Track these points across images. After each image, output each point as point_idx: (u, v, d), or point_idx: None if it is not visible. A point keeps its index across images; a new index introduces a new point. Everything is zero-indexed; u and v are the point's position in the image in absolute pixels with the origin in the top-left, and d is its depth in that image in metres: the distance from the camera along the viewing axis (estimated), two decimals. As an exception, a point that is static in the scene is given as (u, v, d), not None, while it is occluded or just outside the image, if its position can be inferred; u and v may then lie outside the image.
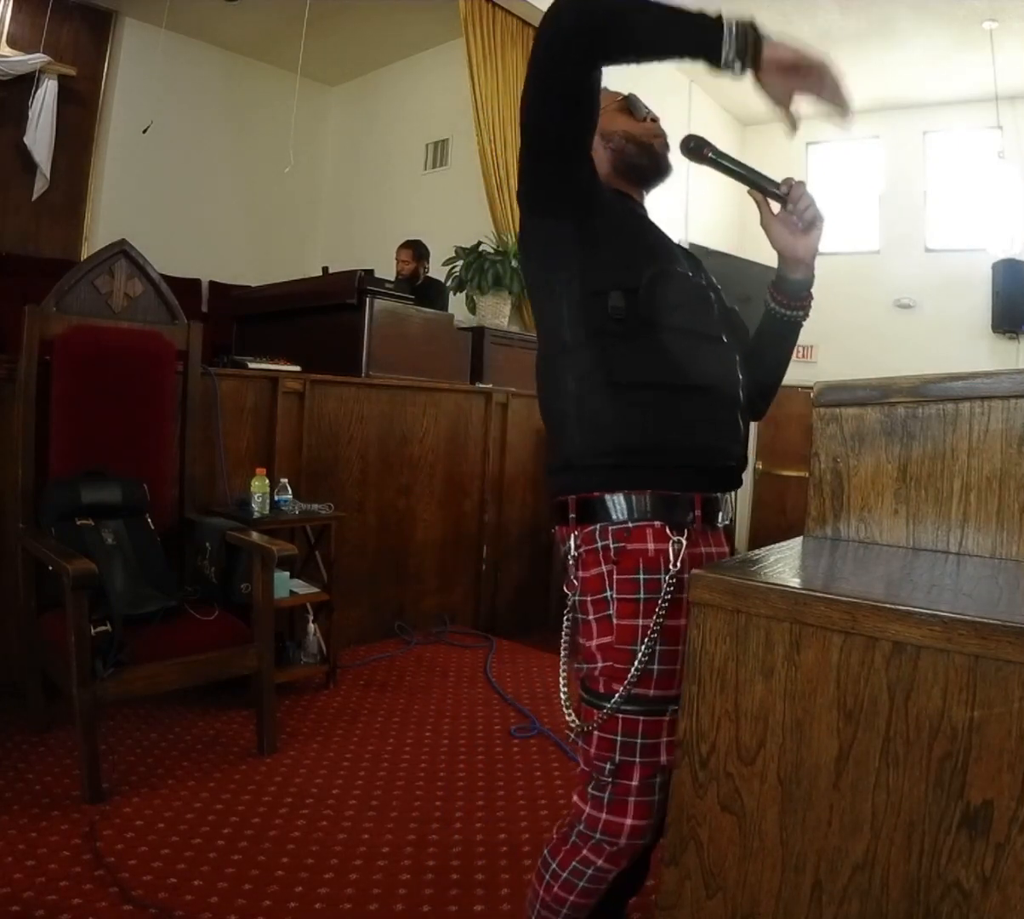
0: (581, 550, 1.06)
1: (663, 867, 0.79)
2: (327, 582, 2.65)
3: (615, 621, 1.01)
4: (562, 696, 1.09)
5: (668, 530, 1.02)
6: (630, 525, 1.03)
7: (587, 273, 1.05)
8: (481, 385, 3.83)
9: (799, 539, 0.95)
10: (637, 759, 1.01)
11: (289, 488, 2.62)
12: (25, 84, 4.59)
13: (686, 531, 1.04)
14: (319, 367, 3.02)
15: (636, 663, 0.99)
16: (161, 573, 2.09)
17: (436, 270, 4.61)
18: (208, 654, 1.99)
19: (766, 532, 6.36)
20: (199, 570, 2.25)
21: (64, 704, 1.88)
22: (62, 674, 1.83)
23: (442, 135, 5.70)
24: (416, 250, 4.49)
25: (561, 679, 1.10)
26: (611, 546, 1.03)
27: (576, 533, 1.07)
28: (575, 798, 1.08)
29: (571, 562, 1.07)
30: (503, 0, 4.46)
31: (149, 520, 2.16)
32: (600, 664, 1.02)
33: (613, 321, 1.03)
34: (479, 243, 4.50)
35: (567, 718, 1.05)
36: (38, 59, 4.57)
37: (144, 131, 4.77)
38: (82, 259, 3.92)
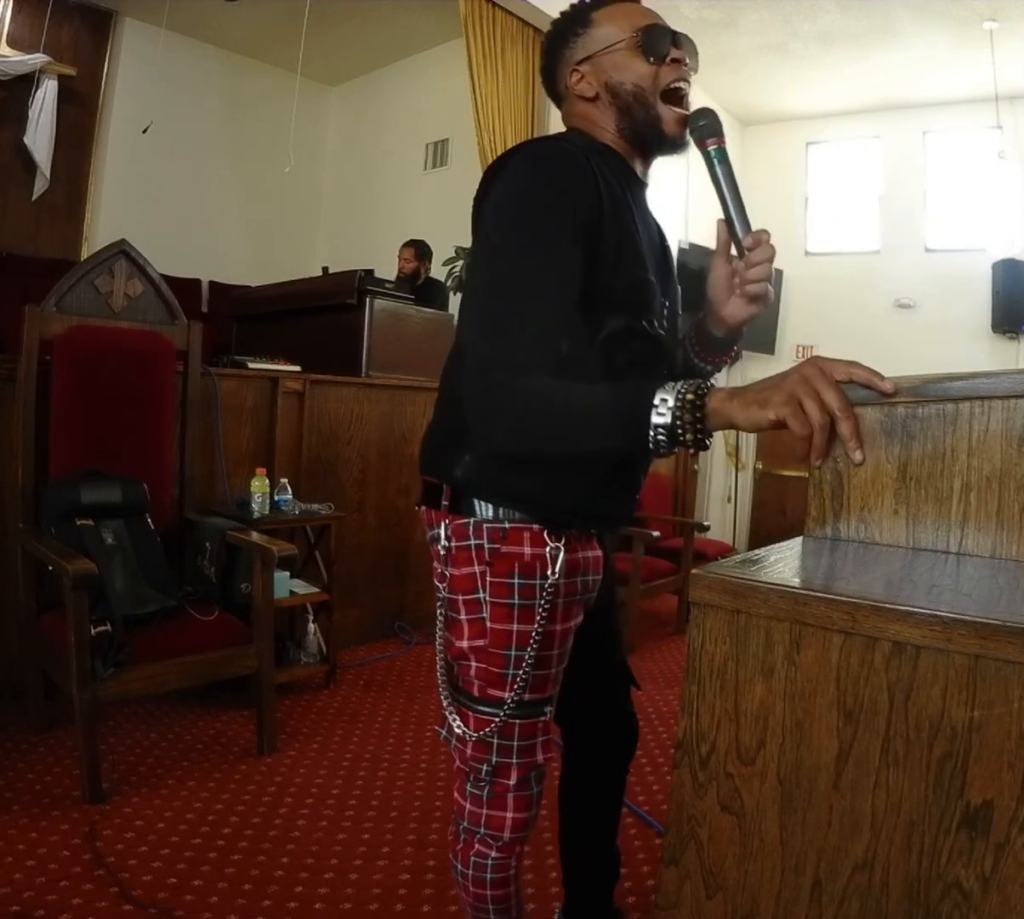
0: (453, 544, 1.00)
1: (663, 867, 0.79)
2: (327, 582, 2.65)
3: (489, 624, 0.98)
4: (442, 697, 1.05)
5: (546, 535, 0.98)
6: (507, 526, 0.97)
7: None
8: (481, 385, 3.84)
9: (799, 539, 0.95)
10: (514, 760, 1.01)
11: (289, 488, 2.62)
12: (25, 84, 4.59)
13: (564, 537, 0.99)
14: (319, 367, 3.02)
15: (512, 668, 0.97)
16: (161, 573, 2.09)
17: (436, 270, 4.61)
18: (208, 654, 1.99)
19: (766, 532, 6.36)
20: (199, 570, 2.25)
21: (64, 704, 1.88)
22: (62, 674, 1.83)
23: (442, 135, 5.70)
24: (419, 249, 4.49)
25: (439, 677, 1.06)
26: (485, 546, 0.98)
27: (447, 523, 1.00)
28: (455, 795, 1.08)
29: (441, 552, 1.01)
30: (503, 0, 4.46)
31: (149, 520, 2.16)
32: (474, 666, 1.00)
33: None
34: (479, 243, 4.50)
35: (450, 720, 1.03)
36: (38, 59, 4.57)
37: (144, 131, 4.77)
38: (82, 259, 3.92)
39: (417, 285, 4.29)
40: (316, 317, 3.45)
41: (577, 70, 1.02)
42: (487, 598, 0.98)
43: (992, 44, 4.69)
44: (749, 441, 6.72)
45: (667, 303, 1.08)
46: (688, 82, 1.00)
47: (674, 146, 1.01)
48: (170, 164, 5.30)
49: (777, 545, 0.91)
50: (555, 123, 5.10)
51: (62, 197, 4.92)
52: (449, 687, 1.05)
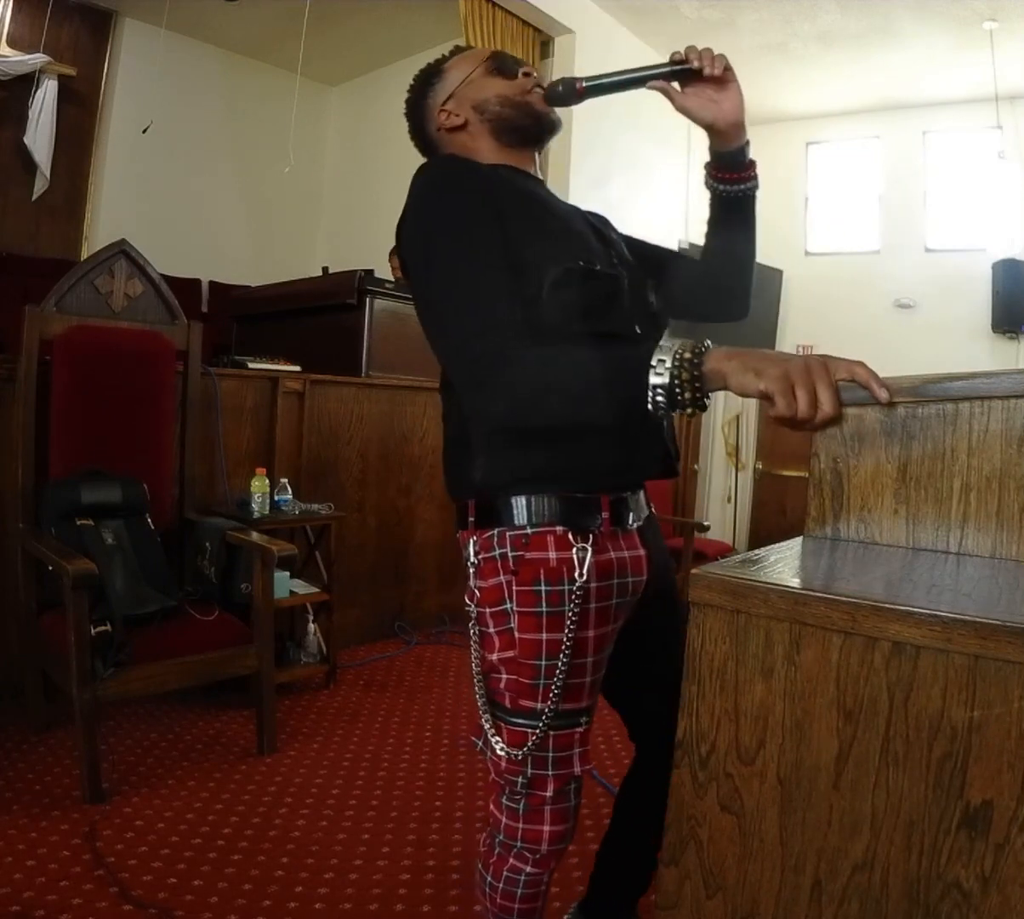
0: (480, 558, 1.00)
1: (663, 867, 0.80)
2: (327, 582, 2.65)
3: (517, 635, 0.97)
4: (480, 711, 1.02)
5: (571, 536, 0.96)
6: (529, 532, 0.96)
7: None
8: (481, 385, 3.84)
9: (799, 539, 0.95)
10: (550, 772, 0.99)
11: (289, 488, 2.62)
12: (25, 84, 4.59)
13: (592, 536, 0.97)
14: (319, 367, 3.02)
15: (543, 678, 0.96)
16: (161, 573, 2.09)
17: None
18: (208, 654, 1.99)
19: (766, 532, 6.36)
20: (199, 570, 2.25)
21: (64, 704, 1.88)
22: (62, 674, 1.83)
23: (442, 135, 5.69)
24: None
25: (476, 693, 1.03)
26: (509, 554, 0.97)
27: (475, 538, 1.01)
28: (491, 807, 1.06)
29: (470, 569, 1.01)
30: (503, 0, 4.46)
31: (149, 520, 2.16)
32: (504, 678, 0.99)
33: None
34: (479, 243, 4.50)
35: (488, 733, 1.01)
36: (38, 59, 4.56)
37: (144, 131, 4.77)
38: (82, 259, 3.91)
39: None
40: (316, 317, 3.45)
41: (444, 110, 1.12)
42: (514, 608, 0.97)
43: (992, 44, 4.69)
44: (749, 441, 6.72)
45: (614, 255, 1.10)
46: (542, 86, 1.10)
47: (551, 123, 1.11)
48: (170, 164, 5.30)
49: (777, 545, 0.91)
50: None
51: (62, 197, 4.91)
52: (485, 701, 1.02)
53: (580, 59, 4.78)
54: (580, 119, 4.81)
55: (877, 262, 6.06)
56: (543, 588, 0.95)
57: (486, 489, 0.99)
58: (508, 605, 0.97)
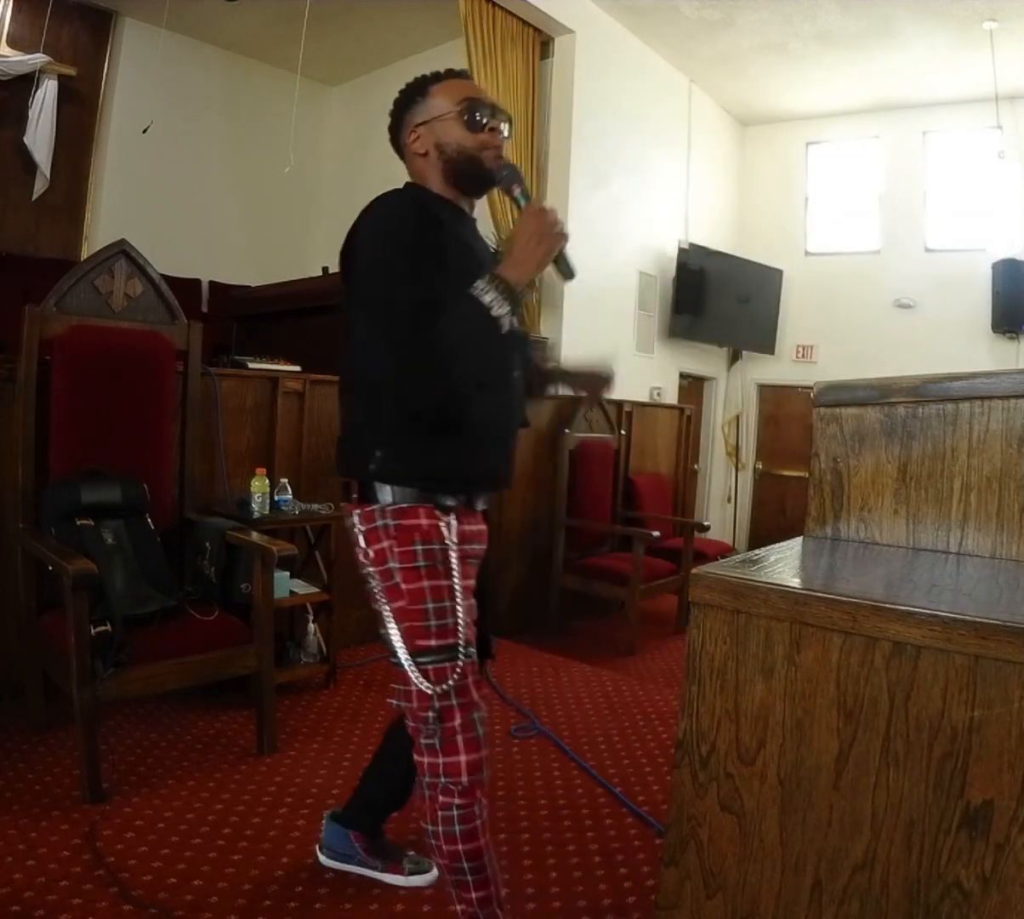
0: (364, 527, 1.23)
1: (663, 867, 0.79)
2: (327, 582, 2.65)
3: (403, 587, 1.18)
4: (398, 648, 1.20)
5: (437, 512, 1.20)
6: (404, 506, 1.20)
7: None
8: (481, 385, 3.83)
9: (799, 539, 0.95)
10: (453, 701, 1.17)
11: (289, 488, 2.62)
12: (25, 84, 4.58)
13: (452, 512, 1.21)
14: (319, 367, 3.01)
15: (431, 620, 1.16)
16: (161, 573, 2.09)
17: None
18: (208, 654, 1.99)
19: (766, 532, 6.37)
20: (199, 570, 2.25)
21: (64, 704, 1.88)
22: (62, 674, 1.83)
23: (442, 135, 5.69)
24: None
25: (393, 638, 1.22)
26: (389, 524, 1.20)
27: (359, 512, 1.24)
28: (416, 757, 1.20)
29: (357, 537, 1.24)
30: (503, 0, 4.46)
31: (149, 520, 2.16)
32: (401, 625, 1.18)
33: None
34: (479, 243, 4.49)
35: (419, 684, 1.17)
36: (38, 59, 4.56)
37: (144, 131, 4.77)
38: (82, 259, 3.91)
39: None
40: (316, 317, 3.45)
41: (415, 131, 1.28)
42: (397, 566, 1.19)
43: (992, 44, 4.69)
44: (749, 441, 6.72)
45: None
46: (500, 144, 1.26)
47: (490, 178, 1.26)
48: (170, 164, 5.30)
49: (777, 545, 0.91)
50: (555, 122, 5.11)
51: (62, 197, 4.91)
52: (391, 650, 1.20)
53: (580, 59, 4.78)
54: (581, 119, 4.82)
55: (877, 262, 6.06)
56: (419, 547, 1.18)
57: (379, 476, 1.21)
58: (392, 564, 1.19)
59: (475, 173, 1.25)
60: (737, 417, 6.67)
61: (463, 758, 1.16)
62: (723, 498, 6.71)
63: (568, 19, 4.71)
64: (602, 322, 5.13)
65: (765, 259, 6.23)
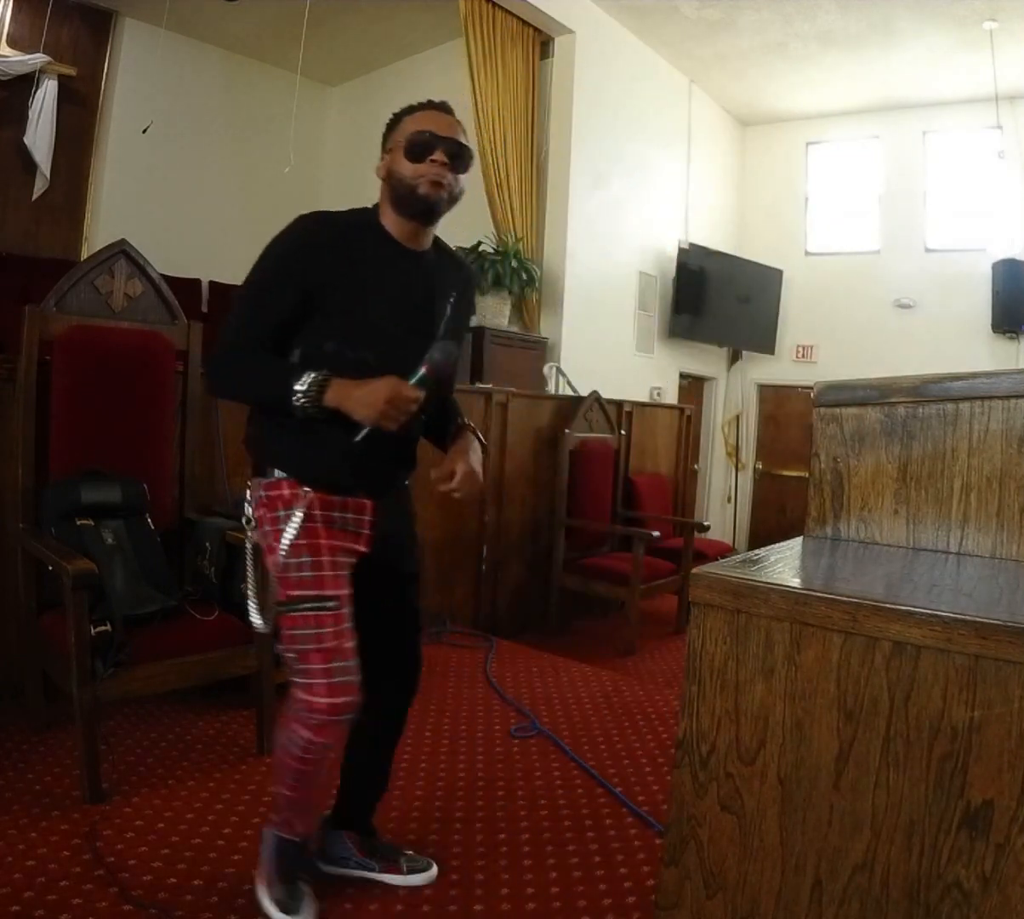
0: (251, 497, 1.42)
1: (663, 867, 0.80)
2: (327, 582, 2.65)
3: (273, 544, 1.35)
4: (251, 610, 1.44)
5: (298, 485, 1.36)
6: (272, 480, 1.38)
7: (306, 336, 1.35)
8: (481, 385, 3.83)
9: (799, 539, 0.95)
10: (312, 646, 1.30)
11: (289, 488, 2.62)
12: (25, 84, 4.59)
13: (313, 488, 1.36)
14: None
15: (295, 572, 1.32)
16: (161, 573, 2.09)
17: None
18: (208, 654, 1.99)
19: (766, 532, 6.37)
20: (199, 570, 2.25)
21: (64, 704, 1.88)
22: (62, 674, 1.83)
23: (442, 135, 5.69)
24: None
25: (249, 601, 1.45)
26: (262, 494, 1.39)
27: (250, 482, 1.44)
28: (292, 687, 1.33)
29: (247, 507, 1.43)
30: (503, 0, 4.46)
31: (149, 520, 2.16)
32: (276, 578, 1.35)
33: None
34: (479, 243, 4.49)
35: (255, 622, 1.43)
36: (38, 59, 4.56)
37: (144, 131, 4.77)
38: (82, 259, 3.91)
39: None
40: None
41: (382, 157, 1.39)
42: (269, 529, 1.37)
43: (992, 44, 4.69)
44: (749, 441, 6.72)
45: (412, 342, 1.38)
46: (444, 176, 1.32)
47: (427, 209, 1.34)
48: (170, 164, 5.30)
49: (777, 545, 0.91)
50: (555, 122, 5.11)
51: (62, 197, 4.91)
52: (274, 600, 1.37)
53: (580, 59, 4.79)
54: (581, 119, 4.82)
55: (877, 262, 6.06)
56: (282, 512, 1.35)
57: (253, 456, 1.45)
58: (267, 527, 1.37)
59: (410, 200, 1.33)
60: (737, 417, 6.67)
61: (323, 700, 1.28)
62: (723, 498, 6.71)
63: (568, 19, 4.71)
64: (602, 322, 5.13)
65: (765, 259, 6.23)
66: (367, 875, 1.58)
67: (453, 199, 1.36)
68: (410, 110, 1.39)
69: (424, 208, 1.34)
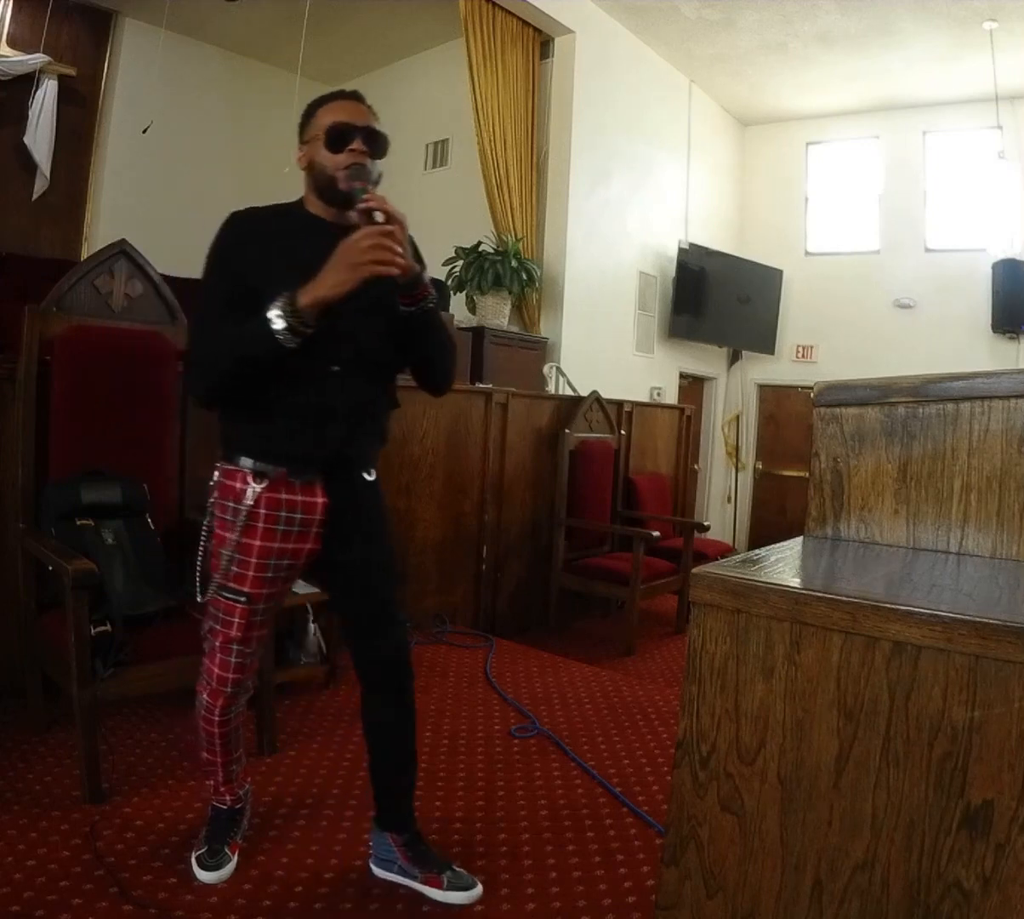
0: (212, 480, 1.48)
1: (663, 867, 0.79)
2: (327, 582, 2.65)
3: (217, 531, 1.46)
4: (196, 582, 1.50)
5: (251, 477, 1.41)
6: (230, 468, 1.44)
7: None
8: (481, 385, 3.83)
9: (799, 539, 0.95)
10: (219, 627, 1.47)
11: (289, 488, 2.62)
12: (25, 84, 4.59)
13: (266, 480, 1.41)
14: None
15: (225, 562, 1.43)
16: (161, 573, 2.08)
17: (435, 270, 4.61)
18: (208, 654, 1.99)
19: (766, 532, 6.37)
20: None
21: (64, 704, 1.88)
22: (62, 674, 1.83)
23: (442, 135, 5.70)
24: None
25: (197, 571, 1.50)
26: (218, 480, 1.45)
27: (216, 466, 1.49)
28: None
29: (210, 485, 1.49)
30: (503, 0, 4.46)
31: (149, 520, 2.16)
32: (211, 560, 1.48)
33: None
34: (479, 243, 4.50)
35: (193, 590, 1.51)
36: (38, 59, 4.56)
37: (144, 131, 4.77)
38: (82, 259, 3.91)
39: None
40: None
41: (301, 147, 1.48)
42: (217, 513, 1.45)
43: (992, 44, 4.70)
44: (749, 441, 6.72)
45: (348, 309, 1.38)
46: (360, 161, 1.38)
47: (347, 199, 1.37)
48: (170, 164, 5.30)
49: (777, 545, 0.91)
50: (555, 122, 5.11)
51: (62, 197, 4.91)
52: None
53: (580, 59, 4.79)
54: (581, 119, 4.82)
55: (877, 262, 6.07)
56: (229, 504, 1.43)
57: (221, 442, 1.48)
58: (214, 512, 1.46)
59: (332, 192, 1.40)
60: (737, 417, 6.67)
61: (216, 670, 1.49)
62: (723, 498, 6.71)
63: (568, 19, 4.71)
64: (602, 322, 5.14)
65: (765, 259, 6.23)
66: (408, 883, 1.56)
67: (375, 185, 1.39)
68: (322, 101, 1.48)
69: (344, 197, 1.39)
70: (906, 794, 0.64)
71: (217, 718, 1.53)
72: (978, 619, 0.60)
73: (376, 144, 1.43)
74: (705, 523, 4.32)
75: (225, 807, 1.64)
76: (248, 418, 1.43)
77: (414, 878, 1.55)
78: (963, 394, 0.83)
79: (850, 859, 0.67)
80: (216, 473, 1.48)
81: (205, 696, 1.52)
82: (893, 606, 0.64)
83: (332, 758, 2.14)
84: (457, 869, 1.57)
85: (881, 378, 0.91)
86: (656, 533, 3.52)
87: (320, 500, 1.46)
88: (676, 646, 3.63)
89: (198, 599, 1.49)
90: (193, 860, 1.56)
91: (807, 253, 6.45)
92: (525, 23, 4.65)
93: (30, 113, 4.61)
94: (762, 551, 0.87)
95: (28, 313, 2.09)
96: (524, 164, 4.67)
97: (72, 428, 2.14)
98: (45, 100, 4.66)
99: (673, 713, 2.58)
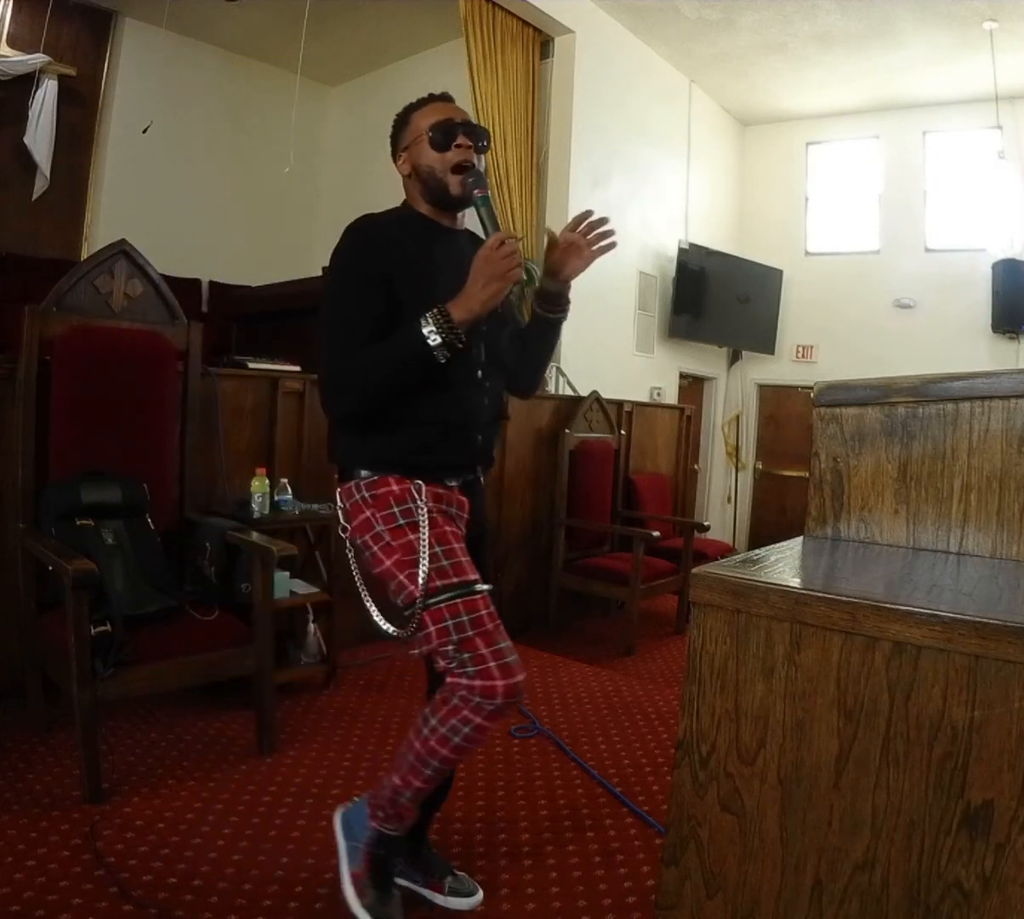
0: (347, 504, 1.40)
1: (663, 867, 0.79)
2: (327, 582, 2.65)
3: (394, 544, 1.33)
4: (377, 620, 1.36)
5: (403, 478, 1.36)
6: (375, 478, 1.37)
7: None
8: (481, 385, 3.83)
9: (799, 539, 0.95)
10: (473, 632, 1.27)
11: (289, 488, 2.62)
12: (25, 84, 4.58)
13: (417, 478, 1.37)
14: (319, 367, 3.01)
15: (426, 565, 1.29)
16: (161, 573, 2.09)
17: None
18: (208, 654, 1.99)
19: (766, 532, 6.37)
20: (199, 570, 2.25)
21: (64, 704, 1.88)
22: (62, 674, 1.83)
23: (442, 135, 5.69)
24: None
25: (370, 609, 1.39)
26: (366, 495, 1.37)
27: (339, 490, 1.42)
28: (449, 679, 1.29)
29: (339, 515, 1.42)
30: (503, 0, 4.46)
31: (149, 520, 2.16)
32: (401, 577, 1.31)
33: None
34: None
35: (387, 629, 1.34)
36: (38, 59, 4.56)
37: (144, 131, 4.77)
38: (82, 259, 3.91)
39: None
40: (316, 317, 3.44)
41: (400, 155, 1.45)
42: (383, 528, 1.34)
43: (992, 44, 4.69)
44: (749, 441, 6.72)
45: (485, 333, 1.44)
46: (470, 159, 1.39)
47: (461, 203, 1.41)
48: (170, 164, 5.30)
49: (777, 545, 0.91)
50: (555, 122, 5.10)
51: (62, 197, 4.91)
52: (385, 606, 1.36)
53: (580, 59, 4.79)
54: (581, 119, 4.82)
55: (877, 262, 6.06)
56: (396, 508, 1.35)
57: (345, 461, 1.41)
58: (378, 528, 1.35)
59: (443, 192, 1.40)
60: (737, 417, 6.67)
61: (499, 682, 1.25)
62: (723, 498, 6.71)
63: (568, 19, 4.71)
64: (602, 322, 5.13)
65: (765, 259, 6.23)
66: (409, 886, 1.54)
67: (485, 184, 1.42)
68: (415, 107, 1.46)
69: (456, 202, 1.41)
70: (906, 794, 0.64)
71: (476, 746, 1.33)
72: (978, 619, 0.60)
73: (478, 137, 1.42)
74: (705, 523, 4.31)
75: (397, 833, 1.43)
76: (391, 429, 1.38)
77: (415, 882, 1.55)
78: (963, 394, 0.83)
79: (850, 859, 0.67)
80: (349, 497, 1.39)
81: (479, 720, 1.27)
82: (893, 606, 0.64)
83: (332, 758, 2.14)
84: (459, 874, 1.57)
85: (881, 378, 0.91)
86: (656, 533, 3.52)
87: (464, 498, 1.46)
88: (676, 646, 3.63)
89: (392, 631, 1.33)
90: (359, 908, 1.38)
91: (807, 253, 6.45)
92: (525, 23, 4.65)
93: (30, 113, 4.61)
94: (762, 551, 0.87)
95: (28, 313, 2.09)
96: (524, 164, 4.67)
97: (72, 428, 2.14)
98: (45, 100, 4.66)
99: (673, 713, 2.58)
